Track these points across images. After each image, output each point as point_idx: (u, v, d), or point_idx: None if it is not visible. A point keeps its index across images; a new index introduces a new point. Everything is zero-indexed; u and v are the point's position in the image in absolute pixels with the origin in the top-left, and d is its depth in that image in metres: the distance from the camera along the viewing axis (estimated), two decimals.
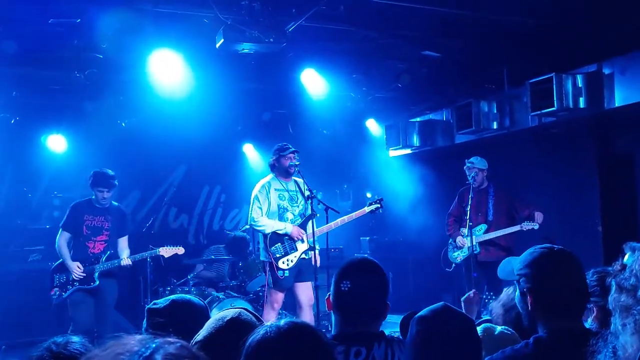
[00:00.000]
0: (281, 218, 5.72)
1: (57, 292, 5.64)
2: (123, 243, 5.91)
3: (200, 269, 7.54)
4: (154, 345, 1.00)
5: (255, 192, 5.74)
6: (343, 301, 2.21)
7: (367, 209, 6.01)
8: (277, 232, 5.64)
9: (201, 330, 1.91)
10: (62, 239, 5.73)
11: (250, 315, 1.98)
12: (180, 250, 6.07)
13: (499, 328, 2.37)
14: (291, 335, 1.51)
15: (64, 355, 1.59)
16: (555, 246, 2.09)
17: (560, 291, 1.99)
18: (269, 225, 5.62)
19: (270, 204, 5.68)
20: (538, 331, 2.04)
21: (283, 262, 5.62)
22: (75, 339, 1.69)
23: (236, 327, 1.87)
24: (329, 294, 2.27)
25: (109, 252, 5.76)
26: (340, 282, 2.21)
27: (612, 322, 1.47)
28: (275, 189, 5.75)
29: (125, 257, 5.73)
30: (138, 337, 1.03)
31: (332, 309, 2.26)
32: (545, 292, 2.01)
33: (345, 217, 5.89)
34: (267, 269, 5.70)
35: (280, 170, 5.78)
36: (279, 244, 5.65)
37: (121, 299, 7.48)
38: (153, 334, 1.07)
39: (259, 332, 1.53)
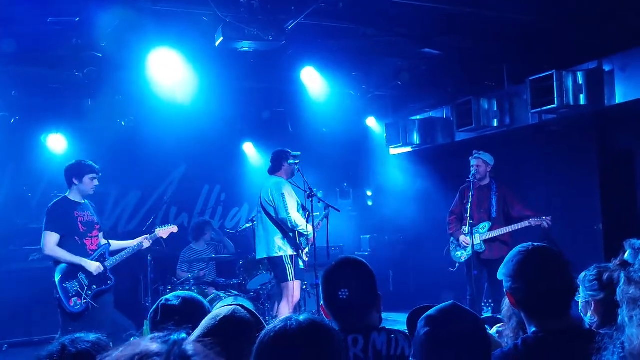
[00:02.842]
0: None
1: (77, 301, 5.04)
2: (102, 237, 5.42)
3: (183, 277, 7.18)
4: (175, 338, 1.01)
5: (280, 189, 5.94)
6: (334, 304, 2.26)
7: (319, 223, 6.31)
8: (303, 233, 6.01)
9: (196, 330, 1.91)
10: (52, 242, 5.04)
11: (245, 311, 1.98)
12: (175, 229, 5.81)
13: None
14: (311, 331, 1.53)
15: (69, 353, 1.58)
16: (536, 244, 2.08)
17: (537, 290, 1.98)
18: (303, 223, 5.95)
19: (298, 202, 6.04)
20: (527, 331, 2.03)
21: (305, 255, 6.08)
22: (91, 337, 1.67)
23: (229, 325, 1.88)
24: (321, 304, 2.33)
25: (105, 246, 5.33)
26: (326, 287, 2.29)
27: (619, 314, 1.47)
28: (292, 188, 6.10)
29: (143, 241, 5.43)
30: (151, 336, 1.03)
31: (328, 317, 2.30)
32: (523, 291, 2.00)
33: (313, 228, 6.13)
34: (289, 262, 5.95)
35: (287, 171, 6.09)
36: (303, 237, 6.07)
37: (122, 297, 7.51)
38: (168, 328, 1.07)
39: (278, 325, 1.54)
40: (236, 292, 6.85)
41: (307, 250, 6.12)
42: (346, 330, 2.21)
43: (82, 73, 6.29)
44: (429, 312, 1.81)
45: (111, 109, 7.50)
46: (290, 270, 5.93)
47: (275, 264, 6.04)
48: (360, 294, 2.25)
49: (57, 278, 5.06)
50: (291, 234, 5.97)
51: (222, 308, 2.01)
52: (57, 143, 7.85)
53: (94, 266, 5.10)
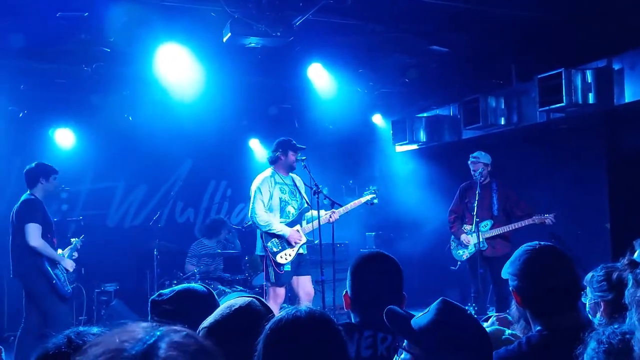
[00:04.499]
0: (282, 211, 5.71)
1: (67, 285, 5.51)
2: None
3: (190, 270, 7.26)
4: (158, 333, 0.98)
5: (256, 185, 5.68)
6: (362, 296, 2.22)
7: (362, 199, 6.00)
8: (275, 232, 5.58)
9: (209, 317, 1.92)
10: (39, 233, 5.29)
11: (260, 305, 1.98)
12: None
13: (507, 332, 2.36)
14: (321, 319, 1.58)
15: (77, 344, 1.60)
16: (543, 243, 2.07)
17: (543, 288, 1.97)
18: (269, 222, 5.58)
19: (272, 197, 5.68)
20: (532, 330, 2.03)
21: (281, 257, 5.60)
22: (94, 329, 1.68)
23: (244, 316, 1.89)
24: (346, 291, 2.28)
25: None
26: (356, 278, 2.24)
27: (627, 317, 1.46)
28: (277, 182, 5.75)
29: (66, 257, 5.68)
30: (143, 324, 1.01)
31: (349, 307, 2.26)
32: (529, 290, 2.00)
33: (341, 208, 5.84)
34: (267, 263, 5.64)
35: (284, 165, 5.77)
36: (275, 239, 5.62)
37: (128, 291, 7.56)
38: (159, 322, 1.05)
39: (290, 312, 1.59)
40: (241, 288, 6.88)
41: (292, 251, 5.59)
42: (374, 327, 2.16)
43: (90, 68, 6.31)
44: (428, 317, 1.76)
45: (119, 103, 7.52)
46: (270, 272, 5.58)
47: (261, 263, 5.92)
48: (388, 292, 2.22)
49: (48, 266, 5.39)
50: (263, 235, 5.61)
51: (238, 299, 2.00)
52: (65, 137, 7.90)
53: (70, 264, 5.55)
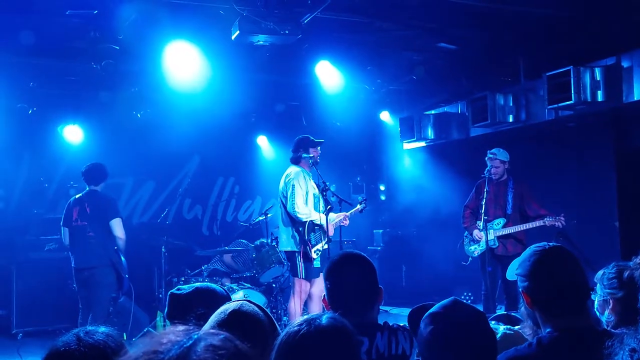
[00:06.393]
0: (316, 207, 5.86)
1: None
2: None
3: (228, 256, 7.56)
4: (196, 336, 1.00)
5: (293, 180, 5.80)
6: (337, 296, 2.29)
7: (358, 207, 6.20)
8: (314, 222, 5.77)
9: (205, 325, 1.93)
10: (123, 228, 5.75)
11: (253, 306, 2.00)
12: None
13: (501, 329, 2.36)
14: (332, 333, 1.57)
15: (87, 342, 1.62)
16: (550, 244, 2.08)
17: (553, 289, 1.98)
18: (310, 214, 5.76)
19: (308, 193, 5.82)
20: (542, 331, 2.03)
21: (315, 252, 5.78)
22: (102, 329, 1.71)
23: (238, 319, 1.90)
24: (324, 295, 2.35)
25: None
26: (329, 283, 2.32)
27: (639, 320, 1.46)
28: (309, 179, 5.90)
29: None
30: (181, 327, 1.04)
31: (329, 308, 2.32)
32: (539, 291, 2.00)
33: (347, 213, 6.08)
34: (300, 259, 5.76)
35: (307, 162, 5.90)
36: (313, 233, 5.81)
37: (136, 289, 7.59)
38: (195, 324, 1.07)
39: (302, 327, 1.57)
40: (249, 285, 6.90)
41: (320, 246, 5.79)
42: None
43: (99, 65, 6.33)
44: (432, 309, 1.81)
45: (127, 101, 7.55)
46: (300, 267, 5.74)
47: (288, 258, 6.03)
48: (363, 289, 2.28)
49: (123, 259, 5.73)
50: (301, 229, 5.74)
51: (230, 303, 2.03)
52: (73, 134, 7.93)
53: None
